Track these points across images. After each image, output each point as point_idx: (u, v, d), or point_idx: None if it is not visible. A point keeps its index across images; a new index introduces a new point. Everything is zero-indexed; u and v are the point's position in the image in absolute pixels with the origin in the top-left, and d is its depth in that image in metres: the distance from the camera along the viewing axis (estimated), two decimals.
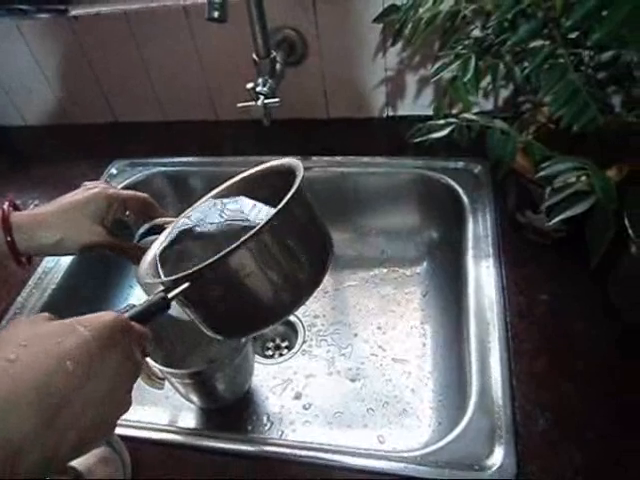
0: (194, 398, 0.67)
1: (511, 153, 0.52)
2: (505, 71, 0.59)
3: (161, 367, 0.60)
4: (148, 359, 0.61)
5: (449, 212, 0.81)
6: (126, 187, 0.90)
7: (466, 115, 0.54)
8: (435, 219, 0.86)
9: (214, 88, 0.96)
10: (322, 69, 0.89)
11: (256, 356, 0.80)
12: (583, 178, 0.48)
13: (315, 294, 0.84)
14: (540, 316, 0.62)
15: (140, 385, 0.71)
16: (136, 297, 0.88)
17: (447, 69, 0.55)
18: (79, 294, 0.79)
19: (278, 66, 0.78)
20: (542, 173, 0.49)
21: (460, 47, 0.56)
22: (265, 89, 0.73)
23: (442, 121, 0.55)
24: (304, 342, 0.80)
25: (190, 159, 0.93)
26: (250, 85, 0.74)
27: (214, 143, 0.95)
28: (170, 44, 0.91)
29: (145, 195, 0.60)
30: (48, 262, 0.79)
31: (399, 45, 0.82)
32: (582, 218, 0.49)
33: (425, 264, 0.86)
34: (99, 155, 0.96)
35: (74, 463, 0.53)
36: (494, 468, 0.50)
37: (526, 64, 0.60)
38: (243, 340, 0.61)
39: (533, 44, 0.52)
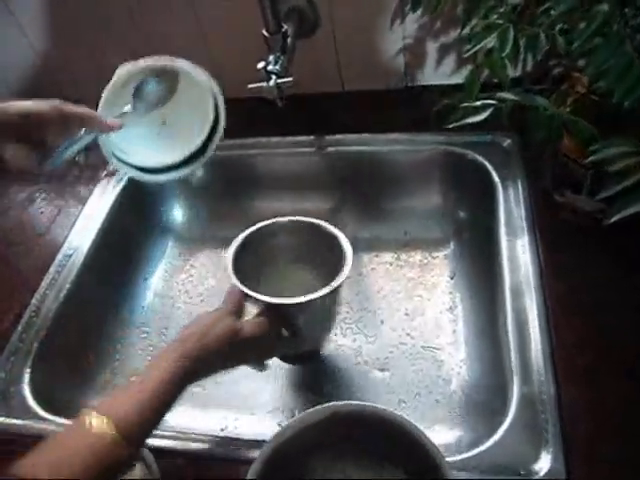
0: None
1: (558, 133, 0.47)
2: (545, 39, 0.53)
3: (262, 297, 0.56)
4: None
5: (477, 190, 0.76)
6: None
7: (504, 94, 0.49)
8: (462, 198, 0.81)
9: (220, 66, 0.89)
10: (335, 39, 0.83)
11: None
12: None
13: None
14: (583, 304, 0.58)
15: None
16: (152, 290, 0.85)
17: (483, 41, 0.49)
18: (94, 292, 0.77)
19: (289, 40, 0.72)
20: (593, 158, 0.45)
21: (495, 16, 0.50)
22: (277, 67, 0.68)
23: (478, 103, 0.49)
24: None
25: None
26: (261, 65, 0.68)
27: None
28: (173, 21, 0.85)
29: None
30: (61, 261, 0.76)
31: (418, 10, 0.76)
32: None
33: (452, 245, 0.82)
34: None
35: None
36: (542, 473, 0.48)
37: (559, 27, 0.54)
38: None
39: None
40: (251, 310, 0.59)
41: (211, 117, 0.60)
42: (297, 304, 0.55)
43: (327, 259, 0.63)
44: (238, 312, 0.55)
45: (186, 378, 0.47)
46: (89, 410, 0.41)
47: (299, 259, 0.68)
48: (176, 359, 0.47)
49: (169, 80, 0.60)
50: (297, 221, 0.65)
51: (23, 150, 0.53)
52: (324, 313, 0.64)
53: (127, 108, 0.58)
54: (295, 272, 0.68)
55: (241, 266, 0.60)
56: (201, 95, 0.59)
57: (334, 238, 0.62)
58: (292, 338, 0.61)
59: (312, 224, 0.65)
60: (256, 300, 0.56)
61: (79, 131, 0.56)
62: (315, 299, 0.55)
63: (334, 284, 0.56)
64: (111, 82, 0.57)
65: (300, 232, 0.66)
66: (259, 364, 0.59)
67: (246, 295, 0.56)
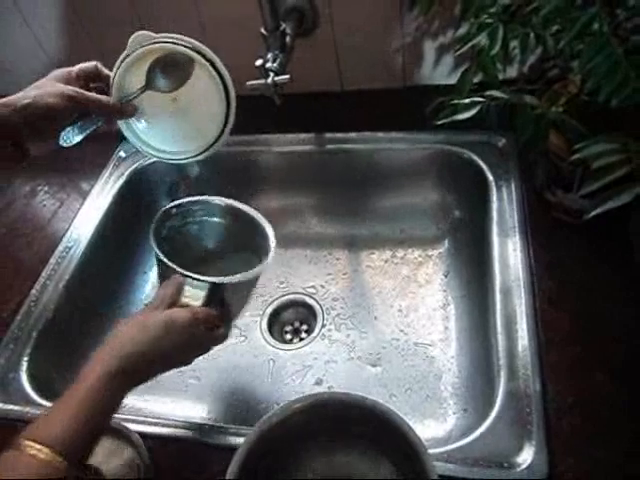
0: None
1: (544, 133, 0.48)
2: (534, 39, 0.54)
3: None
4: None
5: (472, 189, 0.77)
6: (135, 170, 0.88)
7: (493, 92, 0.50)
8: (457, 196, 0.82)
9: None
10: (334, 38, 0.84)
11: (275, 341, 0.78)
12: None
13: (333, 275, 0.84)
14: (572, 302, 0.59)
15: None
16: (151, 282, 0.87)
17: (473, 40, 0.50)
18: (94, 284, 0.78)
19: (288, 39, 0.73)
20: (578, 155, 0.45)
21: (486, 16, 0.51)
22: (275, 65, 0.69)
23: (467, 100, 0.50)
24: (323, 326, 0.79)
25: None
26: (259, 62, 0.69)
27: None
28: (172, 15, 0.86)
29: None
30: (61, 252, 0.77)
31: (417, 9, 0.77)
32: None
33: (446, 243, 0.83)
34: (104, 137, 0.92)
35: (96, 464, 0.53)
36: (524, 465, 0.48)
37: (555, 28, 0.55)
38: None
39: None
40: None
41: (225, 105, 0.59)
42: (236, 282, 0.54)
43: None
44: (170, 303, 0.52)
45: (118, 385, 0.45)
46: (24, 439, 0.40)
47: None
48: (99, 369, 0.45)
49: (185, 62, 0.58)
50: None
51: (43, 139, 0.56)
52: (248, 294, 0.63)
53: (140, 87, 0.57)
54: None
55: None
56: (214, 80, 0.57)
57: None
58: (226, 323, 0.57)
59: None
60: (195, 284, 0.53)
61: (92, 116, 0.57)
62: (253, 276, 0.56)
63: (266, 262, 0.58)
64: (126, 59, 0.56)
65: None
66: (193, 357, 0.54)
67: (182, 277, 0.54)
